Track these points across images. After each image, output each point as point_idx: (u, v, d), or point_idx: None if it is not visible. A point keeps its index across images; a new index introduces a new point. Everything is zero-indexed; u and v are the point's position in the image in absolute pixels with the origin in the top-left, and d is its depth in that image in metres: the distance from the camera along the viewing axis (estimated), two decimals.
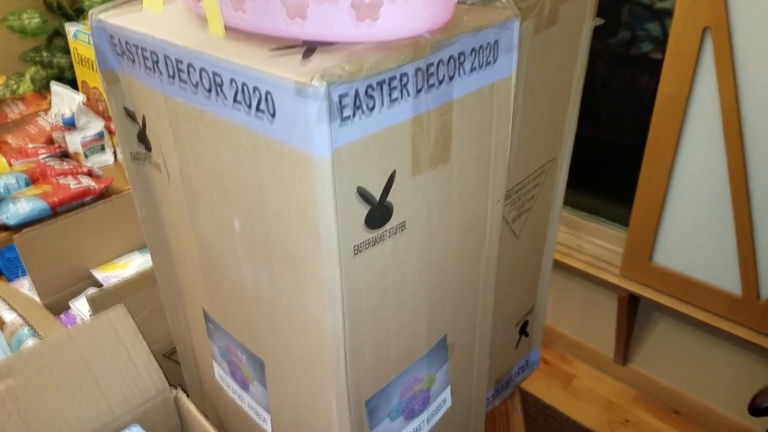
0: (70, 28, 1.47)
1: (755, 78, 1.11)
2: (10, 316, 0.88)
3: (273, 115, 0.37)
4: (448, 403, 0.56)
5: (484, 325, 0.57)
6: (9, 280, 1.00)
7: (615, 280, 1.52)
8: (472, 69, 0.42)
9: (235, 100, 0.39)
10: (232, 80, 0.39)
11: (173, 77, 0.44)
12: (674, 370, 1.62)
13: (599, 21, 0.60)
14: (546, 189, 0.68)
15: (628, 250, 1.47)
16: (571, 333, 1.83)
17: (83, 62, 1.48)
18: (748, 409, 0.88)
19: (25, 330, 0.81)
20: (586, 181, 1.72)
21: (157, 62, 0.46)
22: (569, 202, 1.73)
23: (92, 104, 1.46)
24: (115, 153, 1.42)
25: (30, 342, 0.79)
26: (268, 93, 0.37)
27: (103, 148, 1.41)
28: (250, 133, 0.39)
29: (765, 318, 1.27)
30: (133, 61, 0.49)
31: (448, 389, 0.55)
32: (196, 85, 0.42)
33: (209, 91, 0.41)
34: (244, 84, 0.38)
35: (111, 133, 1.40)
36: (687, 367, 1.58)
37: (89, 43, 1.37)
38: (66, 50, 2.02)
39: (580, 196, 1.71)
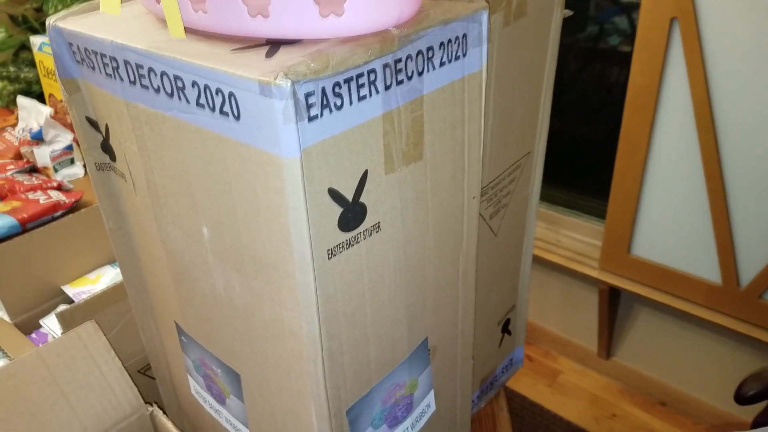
0: (36, 41, 1.43)
1: (724, 66, 1.12)
2: None
3: (238, 117, 0.36)
4: (433, 408, 0.55)
5: (465, 325, 0.56)
6: None
7: (594, 274, 1.52)
8: (442, 63, 0.41)
9: (197, 103, 0.38)
10: (194, 82, 0.37)
11: (134, 82, 0.43)
12: (659, 361, 1.63)
13: (568, 12, 0.60)
14: (522, 184, 0.67)
15: (606, 243, 1.48)
16: (554, 329, 1.84)
17: (49, 75, 1.45)
18: (734, 398, 0.88)
19: None
20: (562, 175, 1.72)
21: (117, 68, 0.44)
22: (545, 197, 1.73)
23: (60, 117, 1.43)
24: (85, 166, 1.39)
25: (0, 364, 0.76)
26: (231, 94, 0.35)
27: (72, 161, 1.38)
28: (215, 136, 0.38)
29: (746, 305, 1.29)
30: (93, 68, 0.48)
31: (432, 393, 0.54)
32: (157, 90, 0.41)
33: (171, 94, 0.40)
34: (206, 85, 0.36)
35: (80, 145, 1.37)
36: (671, 358, 1.59)
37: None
38: (33, 64, 1.97)
39: (556, 191, 1.72)
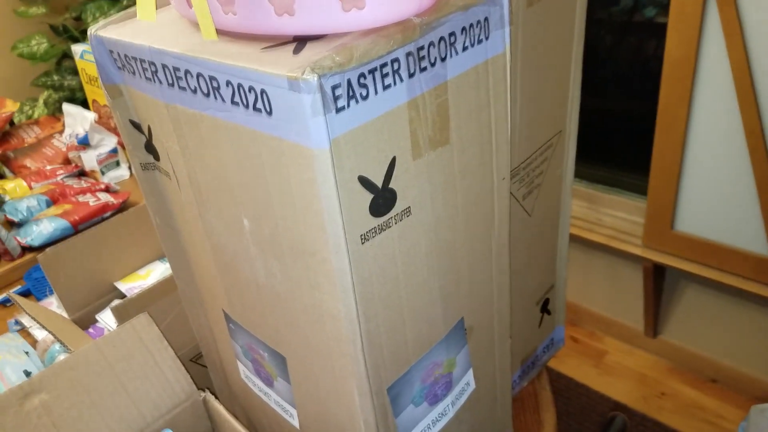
0: (77, 50, 1.49)
1: (764, 33, 1.09)
2: (41, 334, 0.90)
3: (270, 113, 0.37)
4: (472, 386, 0.56)
5: (501, 305, 0.57)
6: (38, 299, 1.03)
7: (638, 252, 1.50)
8: (464, 48, 0.42)
9: (232, 101, 0.40)
10: (228, 82, 0.39)
11: (172, 85, 0.45)
12: (707, 338, 1.60)
13: None
14: (555, 163, 0.67)
15: (649, 220, 1.45)
16: (598, 309, 1.82)
17: (92, 81, 1.51)
18: None
19: (56, 346, 0.83)
20: (600, 153, 1.70)
21: (156, 71, 0.46)
22: (585, 175, 1.71)
23: (104, 122, 1.48)
24: (130, 167, 1.44)
25: (61, 357, 0.81)
26: (263, 91, 0.37)
27: (118, 164, 1.43)
28: (250, 132, 0.40)
29: None
30: (134, 73, 0.50)
31: (470, 372, 0.55)
32: (194, 90, 0.43)
33: (207, 94, 0.42)
34: (239, 84, 0.38)
35: (124, 148, 1.42)
36: (720, 334, 1.56)
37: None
38: (75, 72, 2.05)
39: (596, 169, 1.70)
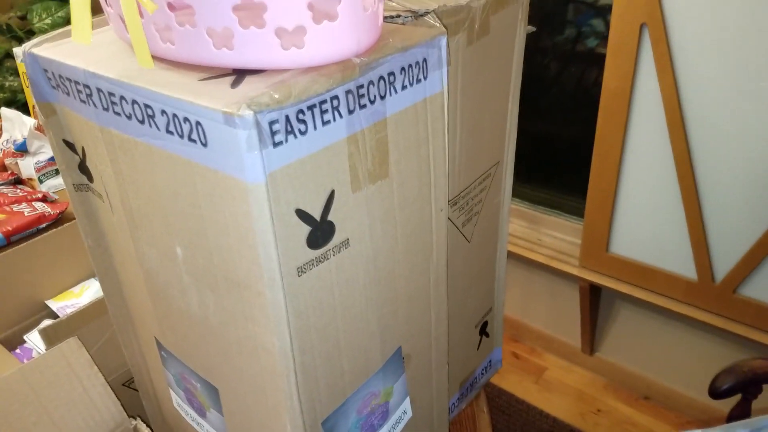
0: (19, 52, 1.43)
1: (693, 69, 1.15)
2: None
3: (205, 144, 0.37)
4: (409, 414, 0.57)
5: (439, 332, 0.58)
6: None
7: (575, 272, 1.55)
8: (404, 87, 0.43)
9: (167, 130, 0.39)
10: (163, 111, 0.39)
11: (107, 109, 0.44)
12: (641, 356, 1.66)
13: (531, 29, 0.62)
14: (493, 192, 0.69)
15: (586, 242, 1.50)
16: (538, 326, 1.87)
17: None
18: (709, 392, 0.91)
19: None
20: (543, 176, 1.75)
21: (90, 95, 0.45)
22: (527, 197, 1.76)
23: (44, 128, 1.43)
24: None
25: None
26: (198, 123, 0.37)
27: (57, 172, 1.38)
28: (185, 162, 0.40)
29: (721, 300, 1.32)
30: (68, 94, 0.49)
31: (408, 400, 0.56)
32: (129, 116, 0.42)
33: (142, 121, 0.41)
34: (174, 114, 0.38)
35: None
36: (653, 353, 1.62)
37: None
38: (18, 73, 1.97)
39: (537, 191, 1.75)
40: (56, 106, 0.52)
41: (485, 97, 0.59)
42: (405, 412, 0.56)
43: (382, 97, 0.41)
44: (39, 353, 0.82)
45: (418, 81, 0.44)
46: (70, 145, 0.54)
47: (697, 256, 1.31)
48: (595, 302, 1.62)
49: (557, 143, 1.76)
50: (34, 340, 0.84)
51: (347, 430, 0.49)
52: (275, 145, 0.36)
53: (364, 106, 0.40)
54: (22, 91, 1.88)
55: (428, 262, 0.53)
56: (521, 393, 1.77)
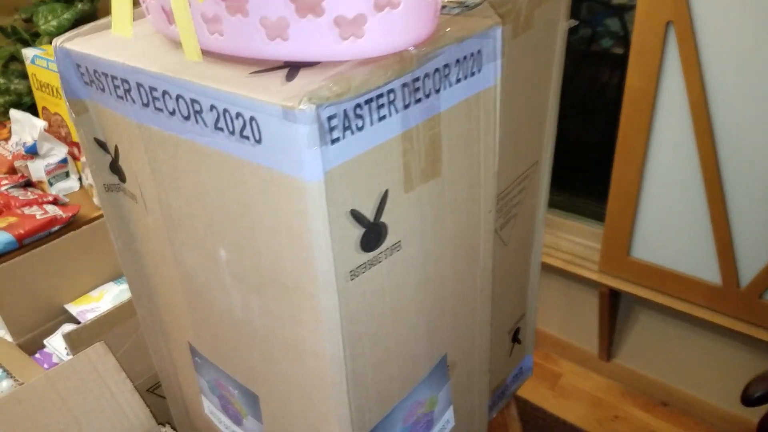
0: (28, 53, 1.42)
1: (720, 68, 1.13)
2: None
3: (259, 141, 0.35)
4: (452, 424, 0.55)
5: (482, 339, 0.56)
6: None
7: (594, 277, 1.52)
8: (458, 80, 0.41)
9: (216, 127, 0.38)
10: (212, 106, 0.37)
11: (147, 105, 0.42)
12: (660, 362, 1.63)
13: (573, 22, 0.60)
14: (531, 193, 0.67)
15: (606, 246, 1.48)
16: (554, 332, 1.84)
17: (43, 88, 1.44)
18: (741, 399, 0.88)
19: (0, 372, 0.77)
20: (560, 179, 1.73)
21: (129, 90, 0.43)
22: None
23: (54, 130, 1.42)
24: (80, 179, 1.37)
25: (4, 384, 0.75)
26: (252, 118, 0.35)
27: (67, 175, 1.36)
28: (234, 159, 0.38)
29: (746, 306, 1.29)
30: (103, 90, 0.47)
31: (451, 409, 0.54)
32: (172, 112, 0.40)
33: (187, 117, 0.39)
34: (225, 110, 0.36)
35: (75, 158, 1.36)
36: (672, 359, 1.60)
37: (48, 68, 1.33)
38: (23, 75, 1.96)
39: (555, 194, 1.73)
40: (88, 103, 0.51)
41: (527, 93, 0.57)
42: (448, 421, 0.54)
43: (437, 91, 0.40)
44: (60, 358, 0.80)
45: (472, 74, 0.42)
46: (102, 144, 0.53)
47: (722, 261, 1.28)
48: (613, 307, 1.59)
49: (572, 145, 1.74)
50: (54, 344, 0.83)
51: None
52: (333, 141, 0.34)
53: (419, 100, 0.39)
54: (28, 94, 1.87)
55: (475, 265, 0.51)
56: (537, 400, 1.75)
